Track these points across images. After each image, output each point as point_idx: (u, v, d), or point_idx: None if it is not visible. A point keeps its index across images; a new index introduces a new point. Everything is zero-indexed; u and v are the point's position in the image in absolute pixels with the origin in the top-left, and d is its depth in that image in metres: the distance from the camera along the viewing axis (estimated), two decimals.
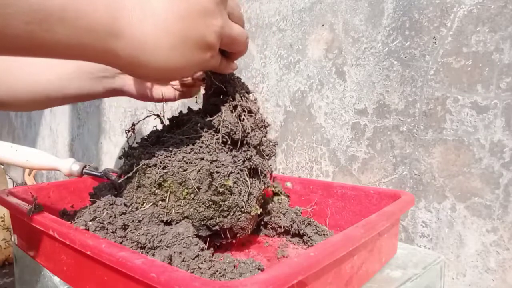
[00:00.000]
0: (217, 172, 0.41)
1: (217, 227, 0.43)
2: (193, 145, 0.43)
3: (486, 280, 0.51)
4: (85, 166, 0.66)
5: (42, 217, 0.42)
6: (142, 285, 0.29)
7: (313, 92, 0.72)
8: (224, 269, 0.37)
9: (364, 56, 0.63)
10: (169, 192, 0.42)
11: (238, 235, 0.46)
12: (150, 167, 0.42)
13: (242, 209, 0.43)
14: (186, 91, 0.54)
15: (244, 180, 0.43)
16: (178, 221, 0.42)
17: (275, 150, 0.49)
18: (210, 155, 0.42)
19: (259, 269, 0.37)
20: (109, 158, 1.39)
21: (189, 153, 0.42)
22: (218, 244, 0.47)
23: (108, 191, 0.46)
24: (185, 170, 0.41)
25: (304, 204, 0.60)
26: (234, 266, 0.38)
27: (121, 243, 0.39)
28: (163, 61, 0.33)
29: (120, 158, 0.48)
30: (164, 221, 0.42)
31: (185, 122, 0.47)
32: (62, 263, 0.42)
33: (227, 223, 0.43)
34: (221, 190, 0.41)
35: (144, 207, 0.42)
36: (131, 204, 0.43)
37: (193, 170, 0.41)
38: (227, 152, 0.44)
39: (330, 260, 0.31)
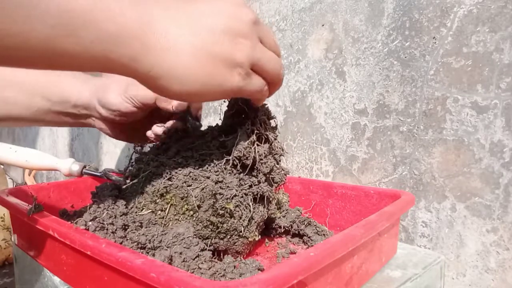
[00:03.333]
0: (220, 194, 0.40)
1: (212, 248, 0.43)
2: (202, 161, 0.42)
3: (486, 280, 0.51)
4: (85, 166, 0.66)
5: (42, 217, 0.42)
6: (142, 285, 0.29)
7: (313, 92, 0.72)
8: (224, 269, 0.37)
9: (364, 56, 0.63)
10: (169, 204, 0.42)
11: (233, 258, 0.45)
12: (156, 175, 0.42)
13: (240, 234, 0.42)
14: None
15: (247, 205, 0.42)
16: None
17: (285, 178, 0.47)
18: (217, 175, 0.41)
19: (259, 269, 0.37)
20: (109, 158, 1.39)
21: (197, 168, 0.42)
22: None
23: (110, 191, 0.46)
24: (189, 186, 0.41)
25: (304, 204, 0.60)
26: (234, 266, 0.38)
27: (121, 243, 0.39)
28: (189, 86, 0.31)
29: (129, 158, 0.48)
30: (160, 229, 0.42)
31: (200, 135, 0.46)
32: (62, 263, 0.42)
33: (222, 246, 0.43)
34: (221, 212, 0.40)
35: (142, 213, 0.42)
36: (131, 208, 0.43)
37: (196, 187, 0.41)
38: (235, 175, 0.42)
39: (330, 260, 0.31)
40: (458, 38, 0.52)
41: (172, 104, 0.45)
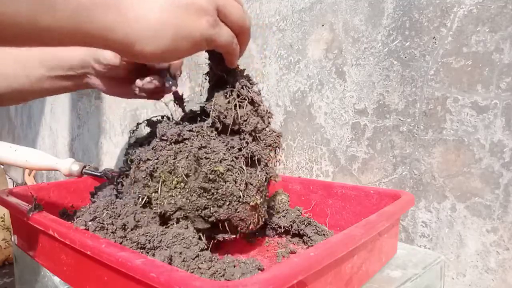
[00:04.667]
0: (206, 158, 0.40)
1: (213, 218, 0.42)
2: (186, 136, 0.42)
3: (486, 280, 0.51)
4: (84, 166, 0.66)
5: (42, 217, 0.42)
6: (142, 285, 0.29)
7: (313, 92, 0.72)
8: (224, 269, 0.37)
9: (364, 56, 0.63)
10: (160, 182, 0.41)
11: (239, 228, 0.44)
12: (144, 161, 0.42)
13: (240, 199, 0.41)
14: (156, 95, 0.53)
15: (240, 169, 0.41)
16: (172, 213, 0.41)
17: (279, 140, 0.47)
18: (199, 141, 0.41)
19: (259, 269, 0.37)
20: (109, 158, 1.39)
21: (181, 142, 0.42)
22: (221, 240, 0.45)
23: (109, 191, 0.46)
24: (174, 159, 0.41)
25: (304, 204, 0.60)
26: (234, 266, 0.38)
27: (121, 243, 0.39)
28: (161, 43, 0.34)
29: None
30: (159, 213, 0.41)
31: (187, 119, 0.47)
32: (62, 263, 0.42)
33: (223, 214, 0.41)
34: (211, 176, 0.40)
35: (140, 203, 0.42)
36: (128, 201, 0.43)
37: (181, 158, 0.40)
38: (221, 141, 0.42)
39: (330, 260, 0.31)
40: (458, 38, 0.52)
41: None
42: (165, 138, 0.42)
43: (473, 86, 0.51)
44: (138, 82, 0.49)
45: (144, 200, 0.41)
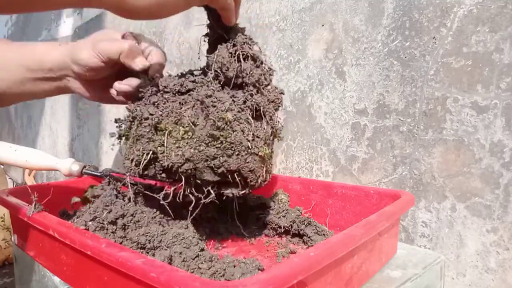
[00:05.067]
0: (213, 106, 0.40)
1: (222, 169, 0.40)
2: (190, 89, 0.42)
3: (486, 280, 0.51)
4: (84, 166, 0.66)
5: (42, 217, 0.42)
6: (142, 285, 0.29)
7: (313, 92, 0.72)
8: (224, 269, 0.37)
9: (364, 56, 0.63)
10: (166, 134, 0.40)
11: (248, 180, 0.43)
12: (146, 118, 0.41)
13: (248, 149, 0.41)
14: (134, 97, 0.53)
15: (246, 120, 0.41)
16: (180, 165, 0.40)
17: (281, 98, 0.47)
18: (205, 91, 0.40)
19: (259, 269, 0.37)
20: (109, 158, 1.39)
21: (185, 93, 0.41)
22: (230, 196, 0.44)
23: (110, 191, 0.46)
24: (180, 109, 0.40)
25: (304, 204, 0.60)
26: (234, 266, 0.38)
27: (121, 243, 0.39)
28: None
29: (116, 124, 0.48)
30: (165, 166, 0.40)
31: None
32: (62, 263, 0.42)
33: (233, 164, 0.40)
34: (219, 124, 0.39)
35: (146, 158, 0.40)
36: (132, 160, 0.42)
37: (187, 107, 0.40)
38: (226, 93, 0.42)
39: (330, 260, 0.31)
40: (458, 38, 0.52)
41: (134, 62, 0.47)
42: (168, 90, 0.42)
43: (473, 86, 0.51)
44: (116, 84, 0.48)
45: (149, 155, 0.40)
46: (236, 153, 0.40)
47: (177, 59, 1.07)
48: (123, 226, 0.41)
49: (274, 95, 0.46)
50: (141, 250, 0.39)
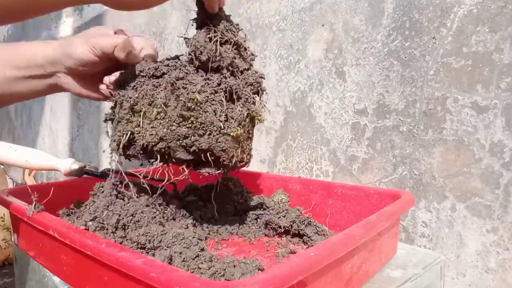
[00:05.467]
0: (184, 88, 0.41)
1: (194, 148, 0.42)
2: (164, 72, 0.44)
3: (486, 280, 0.51)
4: (84, 166, 0.66)
5: (42, 217, 0.42)
6: (142, 285, 0.29)
7: (313, 92, 0.72)
8: (224, 269, 0.37)
9: (364, 56, 0.63)
10: (141, 115, 0.42)
11: (221, 159, 0.45)
12: (125, 101, 0.43)
13: (220, 129, 0.43)
14: None
15: (220, 101, 0.43)
16: (154, 144, 0.42)
17: (261, 82, 0.48)
18: (176, 73, 0.42)
19: (259, 269, 0.37)
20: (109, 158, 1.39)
21: (160, 76, 0.43)
22: (206, 175, 0.46)
23: (110, 191, 0.46)
24: (153, 92, 0.42)
25: (304, 204, 0.60)
26: (234, 266, 0.38)
27: (121, 243, 0.39)
28: None
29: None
30: (142, 145, 0.43)
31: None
32: (62, 263, 0.42)
33: (204, 143, 0.42)
34: (190, 105, 0.41)
35: (125, 140, 0.43)
36: (114, 141, 0.44)
37: (160, 90, 0.42)
38: (200, 75, 0.44)
39: (330, 260, 0.31)
40: (458, 38, 0.52)
41: (127, 55, 0.48)
42: (144, 74, 0.44)
43: (473, 86, 0.51)
44: (106, 78, 0.49)
45: (128, 136, 0.43)
46: (208, 132, 0.42)
47: None
48: (123, 226, 0.41)
49: (253, 79, 0.47)
50: (141, 250, 0.39)
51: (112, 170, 0.54)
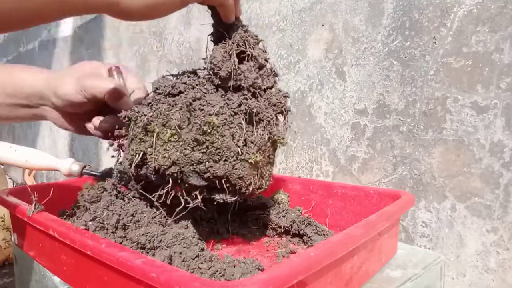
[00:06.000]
0: (200, 110, 0.39)
1: (208, 174, 0.40)
2: (181, 90, 0.41)
3: (486, 280, 0.51)
4: (84, 166, 0.66)
5: (42, 217, 0.42)
6: (142, 285, 0.29)
7: (313, 92, 0.72)
8: (224, 269, 0.37)
9: (364, 56, 0.63)
10: (154, 136, 0.40)
11: (237, 187, 0.42)
12: (139, 119, 0.41)
13: (238, 155, 0.39)
14: (111, 134, 0.50)
15: (239, 124, 0.39)
16: (166, 168, 0.40)
17: (285, 102, 0.44)
18: (194, 93, 0.40)
19: (259, 269, 0.37)
20: (109, 158, 1.39)
21: (176, 95, 0.41)
22: (221, 201, 0.43)
23: (110, 191, 0.46)
24: (168, 111, 0.40)
25: (304, 204, 0.60)
26: (234, 266, 0.38)
27: (121, 243, 0.39)
28: None
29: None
30: (154, 168, 0.40)
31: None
32: (62, 263, 0.42)
33: (220, 170, 0.39)
34: (205, 128, 0.38)
35: (137, 159, 0.41)
36: (127, 159, 0.42)
37: (176, 110, 0.39)
38: (220, 95, 0.41)
39: (330, 260, 0.31)
40: (458, 38, 0.52)
41: (119, 103, 0.46)
42: (160, 91, 0.41)
43: (473, 86, 0.51)
44: (95, 120, 0.47)
45: (140, 155, 0.40)
46: (224, 158, 0.39)
47: (177, 59, 1.07)
48: (123, 226, 0.41)
49: (277, 99, 0.43)
50: (141, 250, 0.39)
51: (112, 170, 0.54)
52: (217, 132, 0.38)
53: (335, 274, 0.34)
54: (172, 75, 0.45)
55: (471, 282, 0.52)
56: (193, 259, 0.38)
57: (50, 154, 0.67)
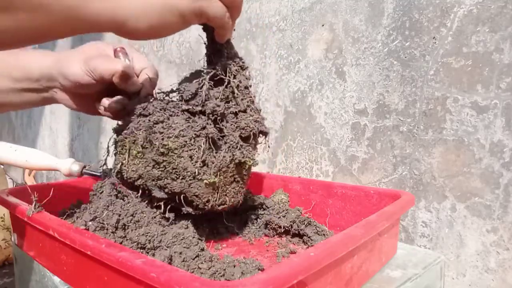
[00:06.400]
0: (160, 133, 0.42)
1: (167, 190, 0.43)
2: (150, 113, 0.44)
3: (486, 280, 0.51)
4: (84, 166, 0.66)
5: (42, 217, 0.42)
6: (142, 285, 0.29)
7: (313, 92, 0.72)
8: (224, 269, 0.37)
9: (364, 56, 0.63)
10: (127, 150, 0.45)
11: (194, 203, 0.44)
12: (118, 132, 0.46)
13: (194, 175, 0.42)
14: (123, 115, 0.51)
15: (199, 146, 0.42)
16: (135, 180, 0.44)
17: (255, 126, 0.46)
18: (158, 116, 0.43)
19: (259, 269, 0.37)
20: (109, 158, 1.39)
21: (146, 116, 0.44)
22: (186, 213, 0.46)
23: (109, 191, 0.46)
24: (138, 130, 0.43)
25: (304, 204, 0.60)
26: (234, 266, 0.38)
27: (121, 243, 0.39)
28: (149, 19, 0.35)
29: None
30: (125, 178, 0.45)
31: None
32: (62, 263, 0.42)
33: (176, 187, 0.43)
34: (162, 150, 0.41)
35: (117, 168, 0.46)
36: (115, 169, 0.47)
37: (141, 131, 0.43)
38: (185, 118, 0.43)
39: (330, 260, 0.31)
40: (458, 38, 0.52)
41: (126, 84, 0.47)
42: (134, 112, 0.45)
43: (473, 86, 0.51)
44: (105, 101, 0.47)
45: (119, 165, 0.46)
46: (181, 177, 0.43)
47: (177, 59, 1.07)
48: (123, 226, 0.41)
49: (245, 123, 0.46)
50: (141, 250, 0.39)
51: (112, 169, 0.54)
52: (175, 153, 0.42)
53: (335, 274, 0.34)
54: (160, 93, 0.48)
55: (471, 282, 0.52)
56: (193, 259, 0.38)
57: (50, 154, 0.67)
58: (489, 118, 0.50)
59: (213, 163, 0.44)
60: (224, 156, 0.44)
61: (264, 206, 0.58)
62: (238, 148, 0.45)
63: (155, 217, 0.44)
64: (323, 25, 0.70)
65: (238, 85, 0.45)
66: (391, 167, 0.61)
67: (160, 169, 0.43)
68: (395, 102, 0.60)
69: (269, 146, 0.49)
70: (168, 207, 0.45)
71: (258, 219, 0.56)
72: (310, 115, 0.73)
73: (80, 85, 0.46)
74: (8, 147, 0.66)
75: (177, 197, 0.44)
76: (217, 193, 0.46)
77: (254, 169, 0.57)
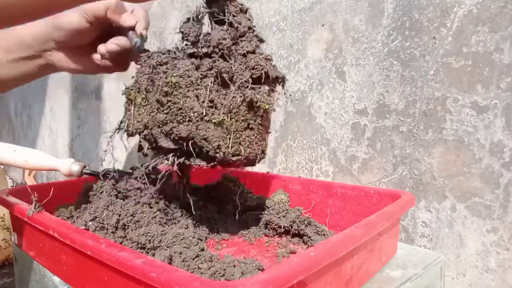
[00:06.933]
0: (164, 72, 0.40)
1: (173, 135, 0.40)
2: (163, 54, 0.43)
3: (486, 280, 0.51)
4: (84, 166, 0.66)
5: (42, 217, 0.42)
6: (142, 285, 0.29)
7: (313, 92, 0.72)
8: (224, 269, 0.37)
9: (364, 56, 0.63)
10: (133, 103, 0.43)
11: (204, 149, 0.41)
12: (124, 91, 0.45)
13: (202, 116, 0.40)
14: (122, 63, 0.50)
15: (206, 86, 0.40)
16: (141, 131, 0.43)
17: (265, 65, 0.43)
18: (161, 60, 0.41)
19: (259, 269, 0.37)
20: (109, 158, 1.39)
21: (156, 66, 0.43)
22: (195, 167, 0.44)
23: (109, 191, 0.46)
24: (141, 77, 0.42)
25: (304, 204, 0.60)
26: (234, 266, 0.38)
27: (121, 243, 0.39)
28: None
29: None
30: (129, 133, 0.44)
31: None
32: (62, 263, 0.42)
33: (183, 130, 0.40)
34: (166, 89, 0.40)
35: (123, 127, 0.45)
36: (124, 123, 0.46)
37: (146, 74, 0.42)
38: (191, 62, 0.42)
39: (330, 260, 0.31)
40: (458, 38, 0.52)
41: (121, 18, 0.46)
42: (139, 63, 0.44)
43: (473, 86, 0.51)
44: (101, 47, 0.46)
45: (127, 122, 0.44)
46: (187, 119, 0.40)
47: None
48: (123, 226, 0.41)
49: (255, 61, 0.42)
50: (141, 250, 0.39)
51: (112, 170, 0.54)
52: (180, 93, 0.40)
53: (335, 274, 0.34)
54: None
55: (471, 282, 0.52)
56: (193, 259, 0.38)
57: (50, 154, 0.67)
58: (489, 118, 0.50)
59: (221, 103, 0.40)
60: (234, 97, 0.40)
61: (264, 206, 0.58)
62: (249, 88, 0.42)
63: (155, 217, 0.44)
64: (323, 25, 0.70)
65: (240, 24, 0.43)
66: (391, 167, 0.61)
67: (165, 111, 0.40)
68: (395, 102, 0.60)
69: (286, 91, 0.46)
70: (177, 162, 0.42)
71: (258, 219, 0.56)
72: (310, 115, 0.73)
73: (75, 33, 0.45)
74: (7, 147, 0.66)
75: (185, 144, 0.41)
76: (229, 138, 0.41)
77: (254, 169, 0.57)
